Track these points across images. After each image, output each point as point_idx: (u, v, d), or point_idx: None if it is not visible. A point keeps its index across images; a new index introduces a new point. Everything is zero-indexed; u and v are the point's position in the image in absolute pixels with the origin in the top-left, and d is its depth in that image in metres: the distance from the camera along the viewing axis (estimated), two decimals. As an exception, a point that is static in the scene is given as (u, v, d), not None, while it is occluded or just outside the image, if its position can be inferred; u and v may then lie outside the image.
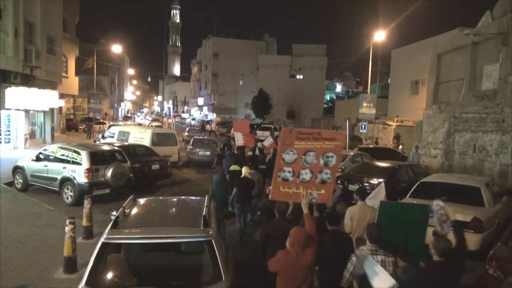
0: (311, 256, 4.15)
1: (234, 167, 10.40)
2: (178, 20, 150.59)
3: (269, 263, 4.21)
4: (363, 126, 25.78)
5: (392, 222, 5.05)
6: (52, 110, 26.43)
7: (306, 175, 5.19)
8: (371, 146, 22.66)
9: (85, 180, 10.59)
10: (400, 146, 24.54)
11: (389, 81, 44.84)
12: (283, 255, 4.11)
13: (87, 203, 7.96)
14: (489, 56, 15.45)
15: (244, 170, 9.12)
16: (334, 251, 4.59)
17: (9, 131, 21.12)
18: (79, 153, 11.01)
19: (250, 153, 14.26)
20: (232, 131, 29.65)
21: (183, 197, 6.98)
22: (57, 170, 11.18)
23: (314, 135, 5.33)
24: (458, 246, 4.10)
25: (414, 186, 9.31)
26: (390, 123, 32.00)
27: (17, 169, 12.29)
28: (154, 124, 45.29)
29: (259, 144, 15.19)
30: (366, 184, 11.25)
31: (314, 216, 5.58)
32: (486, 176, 12.82)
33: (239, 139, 14.47)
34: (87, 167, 10.65)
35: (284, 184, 5.23)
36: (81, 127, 37.67)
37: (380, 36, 29.76)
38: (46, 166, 11.50)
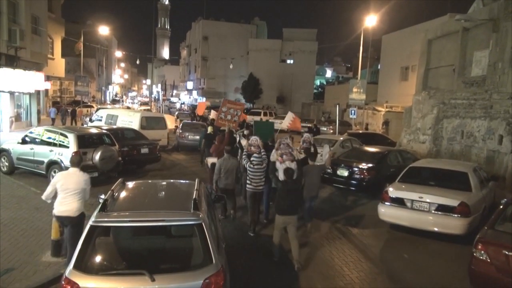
0: (223, 145, 9.70)
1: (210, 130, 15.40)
2: (167, 2, 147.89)
3: (210, 151, 10.86)
4: (352, 111, 25.81)
5: (261, 131, 12.31)
6: (38, 92, 25.90)
7: (229, 117, 14.16)
8: (360, 132, 22.76)
9: (73, 164, 10.39)
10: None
11: (379, 67, 44.87)
12: (214, 145, 10.62)
13: (75, 187, 7.80)
14: (479, 42, 15.49)
15: (209, 129, 14.97)
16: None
17: (-6, 113, 20.67)
18: (66, 136, 10.83)
19: None
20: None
21: (172, 180, 6.95)
22: (44, 153, 11.00)
23: (234, 102, 17.40)
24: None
25: (404, 171, 9.39)
26: (380, 108, 32.13)
27: (2, 152, 12.06)
28: (143, 108, 44.79)
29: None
30: (356, 169, 11.34)
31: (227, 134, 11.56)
32: (473, 161, 12.99)
33: (212, 114, 21.67)
34: (75, 150, 10.44)
35: (221, 120, 14.14)
36: (68, 110, 36.97)
37: (371, 21, 29.57)
38: (32, 149, 11.31)
